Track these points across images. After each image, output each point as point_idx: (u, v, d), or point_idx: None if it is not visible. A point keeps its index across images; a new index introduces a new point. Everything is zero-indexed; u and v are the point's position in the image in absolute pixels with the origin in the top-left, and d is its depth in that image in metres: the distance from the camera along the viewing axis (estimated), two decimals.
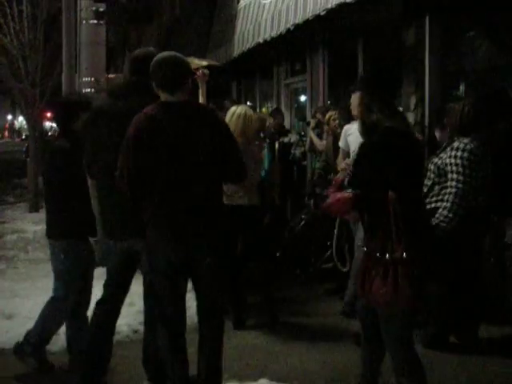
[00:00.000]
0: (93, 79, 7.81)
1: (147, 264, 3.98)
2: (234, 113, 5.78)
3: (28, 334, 4.93)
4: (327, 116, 7.14)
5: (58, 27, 7.96)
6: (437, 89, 7.03)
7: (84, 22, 7.84)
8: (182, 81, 3.77)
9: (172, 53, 3.84)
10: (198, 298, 4.13)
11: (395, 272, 3.40)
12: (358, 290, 3.64)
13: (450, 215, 4.78)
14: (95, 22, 7.86)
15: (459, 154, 4.83)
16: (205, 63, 9.16)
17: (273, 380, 4.48)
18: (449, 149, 4.95)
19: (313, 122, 7.87)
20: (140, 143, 3.67)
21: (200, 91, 5.52)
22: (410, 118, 7.04)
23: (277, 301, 6.14)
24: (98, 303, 4.41)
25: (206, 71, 5.60)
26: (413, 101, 7.05)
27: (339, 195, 3.74)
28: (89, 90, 7.78)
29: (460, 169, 4.80)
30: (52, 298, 4.92)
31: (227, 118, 5.70)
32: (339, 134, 6.49)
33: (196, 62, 9.03)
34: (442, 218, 4.80)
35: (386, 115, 3.61)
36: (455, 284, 5.07)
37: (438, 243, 5.02)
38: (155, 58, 3.80)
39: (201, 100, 5.32)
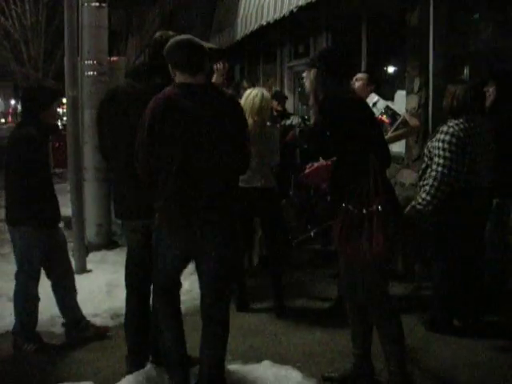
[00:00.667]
0: (95, 62, 7.76)
1: (154, 246, 3.95)
2: (251, 93, 5.73)
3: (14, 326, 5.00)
4: None
5: (60, 10, 7.92)
6: (441, 71, 6.98)
7: (86, 4, 7.77)
8: (202, 62, 3.75)
9: (189, 36, 3.83)
10: (202, 288, 4.04)
11: (371, 223, 3.69)
12: (338, 247, 3.88)
13: (428, 198, 4.85)
14: (97, 4, 7.79)
15: (442, 136, 4.86)
16: (211, 45, 9.13)
17: (276, 361, 4.48)
18: (437, 132, 4.97)
19: None
20: (155, 125, 3.62)
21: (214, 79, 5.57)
22: (414, 100, 7.01)
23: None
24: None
25: (227, 65, 5.73)
26: (417, 83, 7.01)
27: (316, 164, 4.07)
28: (91, 72, 7.73)
29: (441, 152, 4.83)
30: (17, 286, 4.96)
31: (243, 99, 5.69)
32: None
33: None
34: (419, 201, 4.89)
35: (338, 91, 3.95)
36: (457, 267, 5.06)
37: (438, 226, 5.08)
38: (173, 40, 3.78)
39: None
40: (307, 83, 4.10)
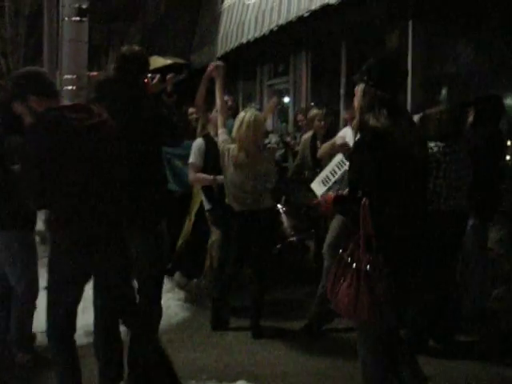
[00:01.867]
0: (75, 76, 7.71)
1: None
2: (243, 121, 5.46)
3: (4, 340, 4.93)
4: (312, 114, 7.06)
5: (40, 24, 7.89)
6: (419, 93, 7.05)
7: (66, 18, 7.72)
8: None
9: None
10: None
11: (358, 283, 3.27)
12: (328, 293, 3.56)
13: None
14: (78, 19, 7.74)
15: None
16: (169, 62, 9.14)
17: (250, 381, 4.46)
18: None
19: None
20: None
21: (216, 86, 5.48)
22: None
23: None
24: None
25: (220, 62, 5.60)
26: None
27: (328, 195, 3.75)
28: (70, 87, 7.68)
29: None
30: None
31: (236, 126, 5.50)
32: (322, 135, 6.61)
33: (160, 61, 9.01)
34: None
35: (382, 115, 3.34)
36: (431, 287, 5.08)
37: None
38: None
39: (218, 94, 5.51)
40: (356, 100, 3.56)
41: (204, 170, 6.15)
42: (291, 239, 6.90)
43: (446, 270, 5.13)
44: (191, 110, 8.05)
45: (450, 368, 4.82)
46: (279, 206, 6.82)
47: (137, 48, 4.31)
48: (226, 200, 5.64)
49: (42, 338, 5.27)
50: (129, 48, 4.31)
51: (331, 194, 3.72)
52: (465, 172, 5.00)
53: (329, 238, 5.73)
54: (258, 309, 5.70)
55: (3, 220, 4.66)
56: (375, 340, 3.53)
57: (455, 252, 5.23)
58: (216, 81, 5.52)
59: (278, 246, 6.82)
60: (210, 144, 6.10)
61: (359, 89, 3.52)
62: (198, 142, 6.26)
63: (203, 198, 6.43)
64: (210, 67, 5.53)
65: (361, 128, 3.43)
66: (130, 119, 4.06)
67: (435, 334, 5.21)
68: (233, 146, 5.47)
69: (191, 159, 6.21)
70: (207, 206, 6.37)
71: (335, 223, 5.71)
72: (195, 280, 6.91)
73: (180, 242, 6.97)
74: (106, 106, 3.95)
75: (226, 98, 7.40)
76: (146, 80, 4.38)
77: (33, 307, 4.90)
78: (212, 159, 6.00)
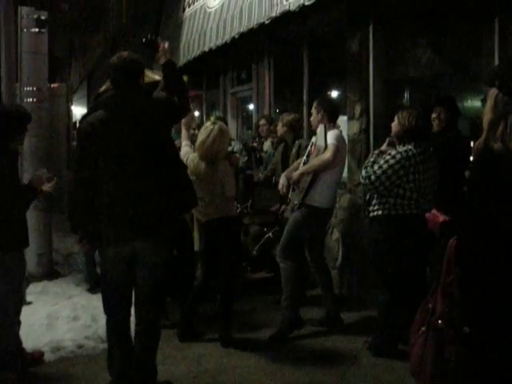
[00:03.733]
0: (35, 88, 7.62)
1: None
2: (211, 133, 5.45)
3: None
4: (290, 118, 7.01)
5: None
6: (381, 97, 7.09)
7: (25, 30, 7.64)
8: None
9: None
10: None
11: (425, 340, 2.77)
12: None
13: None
14: (36, 30, 7.67)
15: (388, 158, 4.96)
16: (158, 78, 9.07)
17: None
18: (381, 154, 5.07)
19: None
20: None
21: None
22: (355, 126, 7.09)
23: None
24: None
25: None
26: (358, 109, 7.09)
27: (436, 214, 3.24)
28: (31, 99, 7.59)
29: (384, 166, 4.93)
30: None
31: (202, 137, 5.48)
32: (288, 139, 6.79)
33: (149, 76, 8.93)
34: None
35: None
36: (401, 291, 5.09)
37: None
38: None
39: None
40: (487, 107, 2.92)
41: None
42: (268, 235, 7.02)
43: (417, 273, 5.15)
44: None
45: None
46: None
47: (125, 53, 4.34)
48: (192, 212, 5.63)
49: (50, 356, 5.27)
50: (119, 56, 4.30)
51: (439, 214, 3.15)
52: (431, 174, 5.04)
53: (282, 241, 5.78)
54: (226, 318, 5.65)
55: None
56: None
57: (426, 255, 5.25)
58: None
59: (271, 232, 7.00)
60: None
61: (490, 94, 2.87)
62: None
63: None
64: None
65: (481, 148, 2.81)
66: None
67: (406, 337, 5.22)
68: (192, 156, 5.48)
69: None
70: None
71: (288, 227, 5.76)
72: None
73: None
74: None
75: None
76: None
77: (8, 325, 4.79)
78: None
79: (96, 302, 6.65)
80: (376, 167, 4.93)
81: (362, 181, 5.12)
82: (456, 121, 5.88)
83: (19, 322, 4.99)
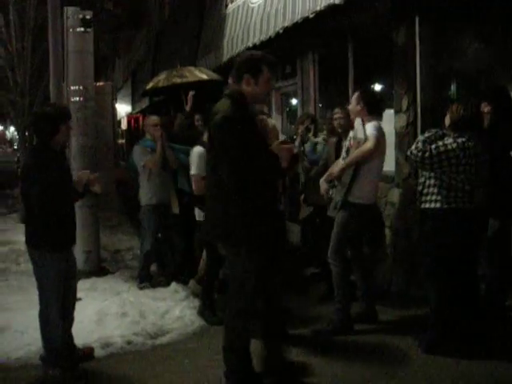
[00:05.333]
0: (81, 88, 7.70)
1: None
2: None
3: (42, 358, 4.98)
4: (334, 115, 6.92)
5: (46, 36, 7.89)
6: (428, 89, 6.98)
7: (71, 30, 7.73)
8: None
9: None
10: None
11: None
12: None
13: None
14: (82, 30, 7.75)
15: (446, 143, 4.91)
16: (205, 77, 9.12)
17: None
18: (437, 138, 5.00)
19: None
20: None
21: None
22: (403, 119, 6.99)
23: None
24: None
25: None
26: (405, 102, 6.99)
27: None
28: (77, 98, 7.68)
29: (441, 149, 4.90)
30: (39, 311, 4.93)
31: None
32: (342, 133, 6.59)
33: (196, 74, 8.98)
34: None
35: None
36: (455, 290, 5.01)
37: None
38: None
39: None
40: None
41: None
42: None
43: (469, 270, 5.07)
44: (197, 116, 8.04)
45: (471, 371, 4.75)
46: None
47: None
48: None
49: (100, 352, 5.37)
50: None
51: None
52: (483, 168, 4.96)
53: (332, 244, 5.69)
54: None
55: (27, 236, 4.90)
56: None
57: (478, 251, 5.16)
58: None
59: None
60: None
61: None
62: (199, 151, 6.13)
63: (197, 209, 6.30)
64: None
65: None
66: None
67: (457, 335, 5.13)
68: None
69: (193, 170, 6.10)
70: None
71: (336, 229, 5.67)
72: None
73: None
74: None
75: (197, 116, 7.41)
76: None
77: (52, 322, 4.87)
78: None
79: (144, 298, 6.73)
80: (433, 146, 4.87)
81: (413, 151, 5.00)
82: (508, 112, 5.69)
83: (72, 319, 5.09)
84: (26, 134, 14.68)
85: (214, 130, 4.15)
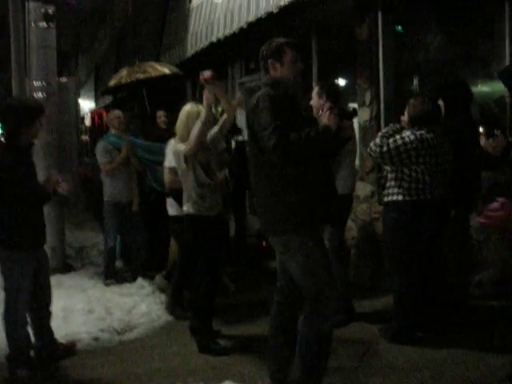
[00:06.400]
0: (44, 83, 7.63)
1: None
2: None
3: (7, 357, 4.88)
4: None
5: (7, 30, 7.78)
6: (391, 84, 7.06)
7: (33, 24, 7.64)
8: None
9: None
10: None
11: None
12: None
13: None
14: (45, 24, 7.67)
15: (398, 138, 4.98)
16: (167, 71, 9.08)
17: (237, 381, 4.42)
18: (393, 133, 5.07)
19: None
20: None
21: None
22: (366, 113, 7.07)
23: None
24: None
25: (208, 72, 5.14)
26: (368, 96, 7.07)
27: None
28: (40, 94, 7.60)
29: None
30: (4, 310, 4.86)
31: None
32: None
33: (158, 69, 8.95)
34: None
35: None
36: (418, 278, 5.09)
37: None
38: None
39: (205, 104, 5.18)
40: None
41: None
42: None
43: (433, 259, 5.16)
44: (159, 112, 8.02)
45: (435, 359, 4.83)
46: None
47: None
48: None
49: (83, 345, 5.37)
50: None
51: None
52: (444, 159, 5.04)
53: None
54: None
55: None
56: None
57: (440, 241, 5.25)
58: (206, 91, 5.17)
59: None
60: None
61: None
62: (171, 144, 5.93)
63: (170, 203, 6.25)
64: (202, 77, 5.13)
65: None
66: None
67: (421, 323, 5.21)
68: None
69: (168, 163, 5.98)
70: (175, 212, 6.21)
71: None
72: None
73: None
74: None
75: (159, 113, 7.37)
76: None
77: (18, 322, 4.82)
78: None
79: (110, 294, 6.72)
80: (391, 140, 4.93)
81: (372, 147, 5.06)
82: (465, 106, 5.74)
83: (50, 313, 5.11)
84: None
85: (255, 111, 3.80)
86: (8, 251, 4.70)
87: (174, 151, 5.44)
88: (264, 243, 7.81)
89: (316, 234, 3.86)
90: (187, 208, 5.29)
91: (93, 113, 26.79)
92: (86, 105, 25.99)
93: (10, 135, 4.67)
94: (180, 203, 5.70)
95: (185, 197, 5.32)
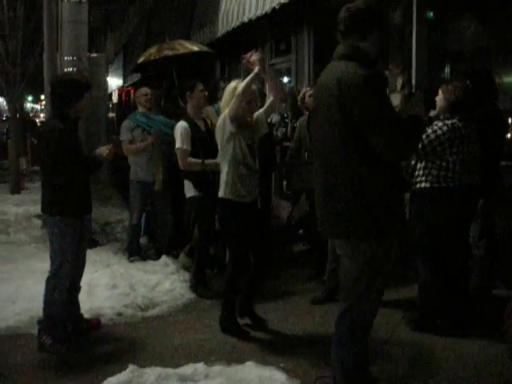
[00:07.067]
0: (75, 58, 7.64)
1: None
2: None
3: (39, 322, 4.97)
4: (301, 93, 6.97)
5: (39, 5, 7.81)
6: (423, 69, 6.99)
7: (66, 0, 7.66)
8: None
9: None
10: None
11: None
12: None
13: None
14: (77, 0, 7.68)
15: (436, 128, 4.90)
16: (196, 49, 9.07)
17: (259, 362, 4.42)
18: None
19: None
20: None
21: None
22: (397, 98, 6.99)
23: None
24: None
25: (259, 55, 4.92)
26: (399, 82, 7.00)
27: None
28: (71, 69, 7.61)
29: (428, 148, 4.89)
30: (48, 276, 4.94)
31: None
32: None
33: (187, 46, 8.94)
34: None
35: None
36: (443, 267, 5.05)
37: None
38: None
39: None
40: None
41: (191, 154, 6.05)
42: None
43: (458, 248, 5.11)
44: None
45: (458, 348, 4.80)
46: None
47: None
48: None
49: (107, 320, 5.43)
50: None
51: None
52: (475, 148, 4.98)
53: None
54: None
55: (45, 204, 4.89)
56: None
57: (467, 230, 5.21)
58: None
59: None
60: (192, 126, 6.04)
61: None
62: (183, 125, 6.06)
63: (187, 184, 6.28)
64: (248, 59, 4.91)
65: None
66: None
67: (445, 312, 5.18)
68: None
69: (179, 144, 5.98)
70: (192, 193, 6.24)
71: None
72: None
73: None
74: None
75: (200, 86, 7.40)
76: None
77: (58, 293, 4.88)
78: (197, 142, 5.96)
79: (134, 270, 6.75)
80: (424, 136, 4.86)
81: None
82: (490, 95, 5.61)
83: (80, 287, 5.15)
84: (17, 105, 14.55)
85: (350, 96, 3.33)
86: (57, 216, 4.78)
87: (219, 126, 5.05)
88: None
89: (385, 242, 3.53)
90: (223, 193, 5.03)
91: (120, 90, 26.89)
92: (114, 82, 26.12)
93: (60, 109, 4.80)
94: (195, 185, 5.97)
95: (223, 180, 5.05)
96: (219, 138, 5.05)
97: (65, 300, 4.88)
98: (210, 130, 6.06)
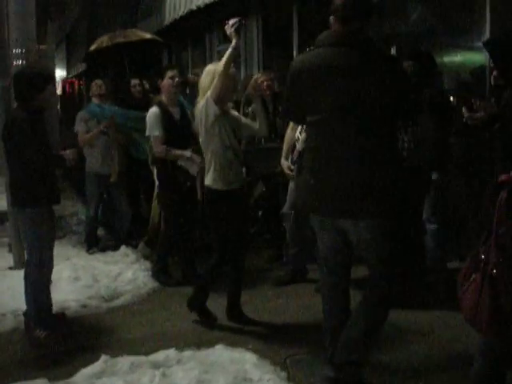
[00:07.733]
0: (24, 50, 7.52)
1: None
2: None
3: (25, 314, 4.98)
4: (253, 80, 6.84)
5: None
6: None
7: None
8: None
9: None
10: None
11: (481, 287, 2.74)
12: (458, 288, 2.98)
13: None
14: None
15: None
16: (148, 36, 9.05)
17: (229, 345, 4.49)
18: None
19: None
20: None
21: None
22: None
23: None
24: None
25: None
26: None
27: None
28: (20, 61, 7.49)
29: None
30: (26, 271, 4.94)
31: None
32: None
33: (139, 34, 8.92)
34: None
35: None
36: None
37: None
38: None
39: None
40: None
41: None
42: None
43: (413, 225, 5.27)
44: (134, 81, 7.95)
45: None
46: None
47: None
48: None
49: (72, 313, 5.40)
50: None
51: None
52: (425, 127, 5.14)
53: (289, 199, 5.82)
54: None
55: (15, 197, 4.91)
56: (495, 357, 3.01)
57: (422, 203, 5.37)
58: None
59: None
60: (164, 113, 5.92)
61: None
62: (156, 112, 5.89)
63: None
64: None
65: None
66: None
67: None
68: None
69: (155, 131, 5.83)
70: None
71: (293, 185, 5.73)
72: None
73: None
74: None
75: (133, 81, 7.31)
76: None
77: (43, 283, 4.91)
78: (168, 128, 5.90)
79: (95, 262, 6.76)
80: None
81: None
82: (430, 75, 5.64)
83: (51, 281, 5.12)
84: None
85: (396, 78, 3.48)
86: (29, 207, 4.78)
87: (201, 111, 4.83)
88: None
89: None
90: (212, 181, 4.85)
91: (63, 82, 26.49)
92: (58, 73, 25.66)
93: (24, 101, 4.83)
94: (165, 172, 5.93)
95: (209, 168, 4.88)
96: (202, 123, 4.82)
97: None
98: (187, 118, 6.03)
